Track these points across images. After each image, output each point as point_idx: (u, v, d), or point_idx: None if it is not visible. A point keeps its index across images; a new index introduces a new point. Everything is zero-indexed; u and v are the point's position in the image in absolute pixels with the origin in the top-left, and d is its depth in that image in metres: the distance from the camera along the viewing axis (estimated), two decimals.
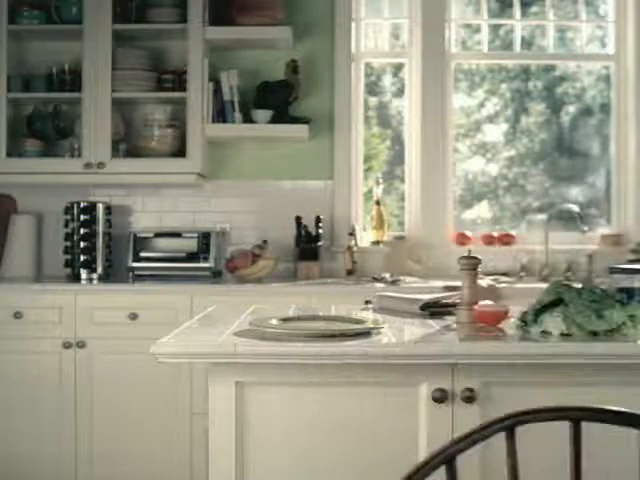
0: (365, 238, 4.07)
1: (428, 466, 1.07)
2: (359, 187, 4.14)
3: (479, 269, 2.08)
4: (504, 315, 1.97)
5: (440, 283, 3.46)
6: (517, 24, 4.21)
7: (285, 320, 2.01)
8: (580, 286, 1.86)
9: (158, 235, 3.83)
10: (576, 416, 1.10)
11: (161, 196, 4.03)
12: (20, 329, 3.41)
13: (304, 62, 3.97)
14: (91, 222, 3.76)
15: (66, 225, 3.78)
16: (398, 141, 4.24)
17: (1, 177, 3.72)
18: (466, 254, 2.07)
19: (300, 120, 3.85)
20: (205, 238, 3.77)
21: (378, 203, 4.05)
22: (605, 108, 4.24)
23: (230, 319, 2.11)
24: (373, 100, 4.27)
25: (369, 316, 2.16)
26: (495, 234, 4.12)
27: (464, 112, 4.28)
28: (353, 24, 4.07)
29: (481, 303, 2.01)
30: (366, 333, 1.85)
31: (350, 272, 3.87)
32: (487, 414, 1.72)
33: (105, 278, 3.77)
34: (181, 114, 3.82)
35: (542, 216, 4.15)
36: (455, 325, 2.03)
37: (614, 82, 4.20)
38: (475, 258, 2.06)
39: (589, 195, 4.27)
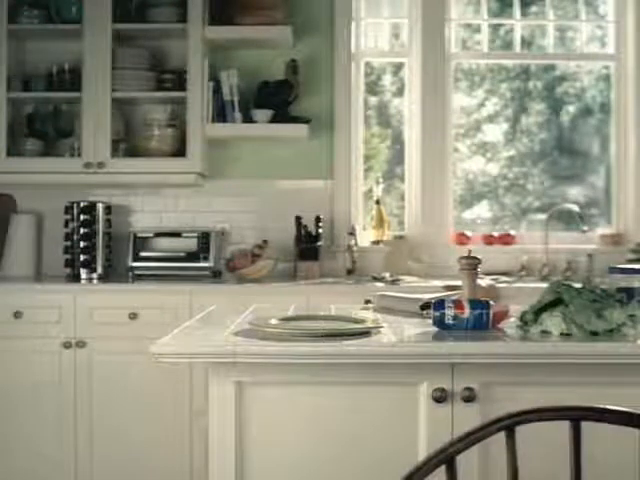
0: (365, 238, 4.07)
1: (428, 466, 1.07)
2: (359, 187, 4.14)
3: (479, 269, 2.08)
4: (504, 315, 1.97)
5: (440, 283, 3.45)
6: (517, 24, 4.21)
7: (285, 320, 2.01)
8: (580, 286, 1.85)
9: (158, 235, 3.83)
10: (576, 416, 1.10)
11: (161, 196, 4.03)
12: (20, 329, 3.40)
13: (304, 62, 3.97)
14: (91, 222, 3.76)
15: (66, 225, 3.78)
16: (398, 141, 4.24)
17: (1, 177, 3.72)
18: (466, 254, 2.07)
19: (300, 120, 3.85)
20: (205, 238, 3.77)
21: (378, 203, 4.05)
22: (605, 108, 4.24)
23: (230, 319, 2.11)
24: (373, 100, 4.27)
25: (369, 316, 2.15)
26: (495, 234, 4.12)
27: (464, 112, 4.28)
28: (353, 24, 4.07)
29: None
30: (366, 333, 1.85)
31: (350, 272, 3.87)
32: (487, 414, 1.72)
33: (105, 278, 3.77)
34: (181, 114, 3.82)
35: (542, 216, 4.15)
36: None
37: (614, 82, 4.20)
38: (475, 258, 2.06)
39: (589, 195, 4.27)
